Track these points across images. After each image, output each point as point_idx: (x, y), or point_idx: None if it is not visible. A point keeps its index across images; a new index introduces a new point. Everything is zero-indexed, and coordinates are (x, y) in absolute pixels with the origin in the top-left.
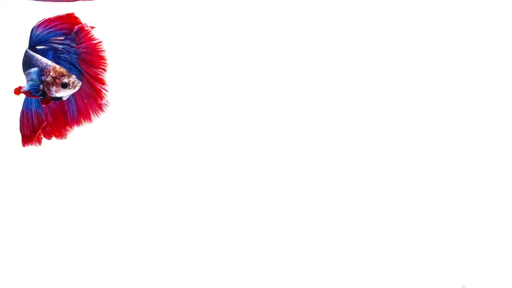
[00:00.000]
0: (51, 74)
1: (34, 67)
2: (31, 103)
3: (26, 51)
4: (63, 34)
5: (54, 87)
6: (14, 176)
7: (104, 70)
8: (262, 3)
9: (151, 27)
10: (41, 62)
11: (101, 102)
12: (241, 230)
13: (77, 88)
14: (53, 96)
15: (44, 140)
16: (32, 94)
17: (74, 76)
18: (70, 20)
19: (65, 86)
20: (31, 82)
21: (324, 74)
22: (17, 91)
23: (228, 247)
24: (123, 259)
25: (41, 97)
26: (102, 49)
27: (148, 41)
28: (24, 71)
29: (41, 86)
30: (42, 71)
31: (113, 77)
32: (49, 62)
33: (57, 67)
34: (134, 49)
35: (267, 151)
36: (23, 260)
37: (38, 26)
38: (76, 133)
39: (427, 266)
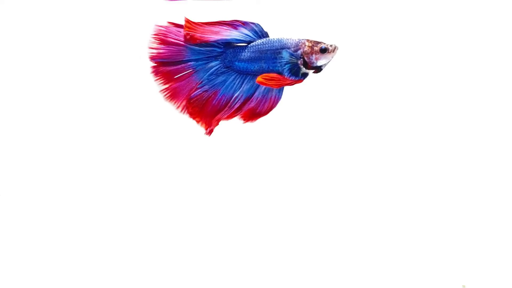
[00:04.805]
0: (307, 44)
1: (285, 47)
2: (271, 89)
3: (263, 42)
4: None
5: (313, 56)
6: (14, 176)
7: None
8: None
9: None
10: (292, 40)
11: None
12: (238, 230)
13: (336, 52)
14: (315, 65)
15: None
16: (293, 74)
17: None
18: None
19: (324, 51)
20: (288, 65)
21: (322, 75)
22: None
23: (225, 247)
24: (123, 259)
25: (300, 77)
26: None
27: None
28: (268, 59)
29: (298, 62)
30: (297, 46)
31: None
32: (295, 37)
33: (309, 39)
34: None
35: (264, 150)
36: (23, 260)
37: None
38: (77, 132)
39: (427, 266)
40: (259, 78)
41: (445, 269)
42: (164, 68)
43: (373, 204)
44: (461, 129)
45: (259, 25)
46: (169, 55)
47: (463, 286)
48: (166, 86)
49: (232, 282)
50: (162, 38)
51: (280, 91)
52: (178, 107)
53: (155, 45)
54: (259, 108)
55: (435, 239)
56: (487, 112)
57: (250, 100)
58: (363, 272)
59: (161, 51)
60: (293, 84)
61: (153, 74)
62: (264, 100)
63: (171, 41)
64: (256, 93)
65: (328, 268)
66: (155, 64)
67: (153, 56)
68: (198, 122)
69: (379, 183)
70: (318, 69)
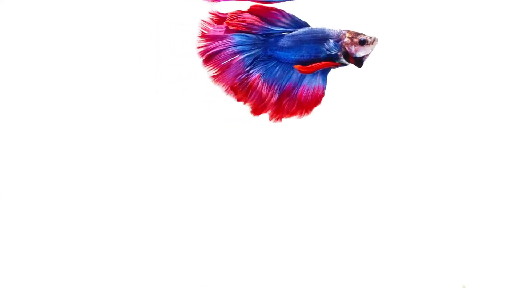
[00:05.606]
0: (347, 35)
1: (328, 38)
2: (315, 78)
3: (305, 31)
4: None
5: (353, 47)
6: (14, 176)
7: None
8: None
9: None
10: (333, 30)
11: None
12: (237, 231)
13: (375, 44)
14: (355, 56)
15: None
16: (333, 61)
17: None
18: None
19: (363, 42)
20: (328, 52)
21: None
22: (310, 68)
23: (223, 247)
24: (122, 259)
25: (341, 64)
26: None
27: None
28: (310, 49)
29: (338, 52)
30: (338, 37)
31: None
32: (337, 28)
33: (350, 30)
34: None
35: (263, 150)
36: (23, 260)
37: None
38: (77, 132)
39: (427, 266)
40: (298, 67)
41: (445, 269)
42: (212, 59)
43: (373, 203)
44: (459, 130)
45: (296, 17)
46: (216, 45)
47: (463, 286)
48: (216, 72)
49: (239, 283)
50: (206, 34)
51: (324, 80)
52: (226, 90)
53: (202, 43)
54: (302, 98)
55: (435, 239)
56: (482, 112)
57: (293, 91)
58: (364, 272)
59: (209, 46)
60: (328, 66)
61: (203, 65)
62: (307, 90)
63: (215, 35)
64: (301, 83)
65: (330, 268)
66: (204, 58)
67: (202, 51)
68: (245, 103)
69: (379, 183)
70: (359, 63)
